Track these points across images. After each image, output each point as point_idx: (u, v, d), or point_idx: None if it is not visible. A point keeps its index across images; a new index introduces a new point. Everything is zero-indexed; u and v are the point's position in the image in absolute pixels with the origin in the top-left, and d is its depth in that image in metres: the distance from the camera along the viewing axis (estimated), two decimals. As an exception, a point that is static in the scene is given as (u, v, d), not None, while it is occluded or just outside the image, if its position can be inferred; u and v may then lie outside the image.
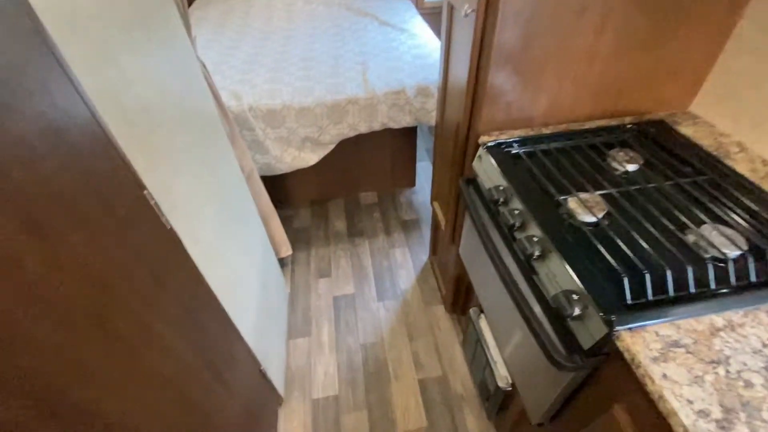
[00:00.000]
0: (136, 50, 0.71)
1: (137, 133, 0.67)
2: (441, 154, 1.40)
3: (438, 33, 2.49)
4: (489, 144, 0.99)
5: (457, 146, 1.14)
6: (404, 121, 1.82)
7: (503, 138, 1.00)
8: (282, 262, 1.92)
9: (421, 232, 2.06)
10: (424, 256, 1.93)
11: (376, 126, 1.82)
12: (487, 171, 0.98)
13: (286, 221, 2.16)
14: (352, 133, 1.82)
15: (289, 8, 2.72)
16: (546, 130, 1.02)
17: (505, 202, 0.89)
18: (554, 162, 0.91)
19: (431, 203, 1.62)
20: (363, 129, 1.81)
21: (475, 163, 1.04)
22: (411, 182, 2.34)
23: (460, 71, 1.03)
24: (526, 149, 0.97)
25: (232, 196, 1.14)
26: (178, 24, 0.95)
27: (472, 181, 1.07)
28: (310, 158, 1.86)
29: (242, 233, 1.19)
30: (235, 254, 1.09)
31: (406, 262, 1.91)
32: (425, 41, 2.09)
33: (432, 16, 2.65)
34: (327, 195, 2.30)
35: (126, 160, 0.61)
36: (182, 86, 0.90)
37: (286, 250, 1.82)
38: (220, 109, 1.29)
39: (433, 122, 1.83)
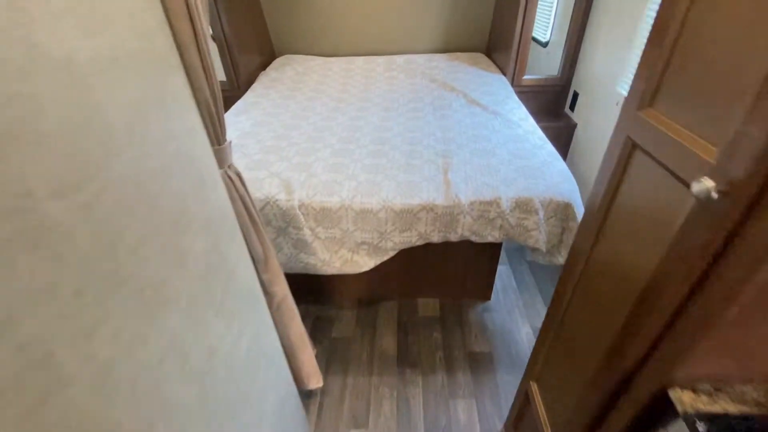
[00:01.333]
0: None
1: None
2: (563, 341, 0.94)
3: (536, 115, 2.11)
4: (701, 413, 0.51)
5: (609, 376, 0.68)
6: (491, 236, 1.39)
7: (727, 406, 0.52)
8: (308, 392, 1.51)
9: (494, 377, 1.55)
10: (498, 422, 1.41)
11: (453, 238, 1.40)
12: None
13: (324, 325, 1.77)
14: (420, 242, 1.42)
15: (368, 74, 2.51)
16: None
17: None
18: None
19: (527, 381, 1.12)
20: (435, 239, 1.41)
21: None
22: (485, 295, 1.86)
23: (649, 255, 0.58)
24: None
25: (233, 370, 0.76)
26: (197, 139, 0.62)
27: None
28: (365, 263, 1.48)
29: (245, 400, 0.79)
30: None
31: (472, 425, 1.40)
32: (525, 132, 1.68)
33: (529, 96, 2.28)
34: (378, 295, 1.89)
35: None
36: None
37: (317, 382, 1.40)
38: (254, 232, 0.95)
39: (531, 243, 1.38)
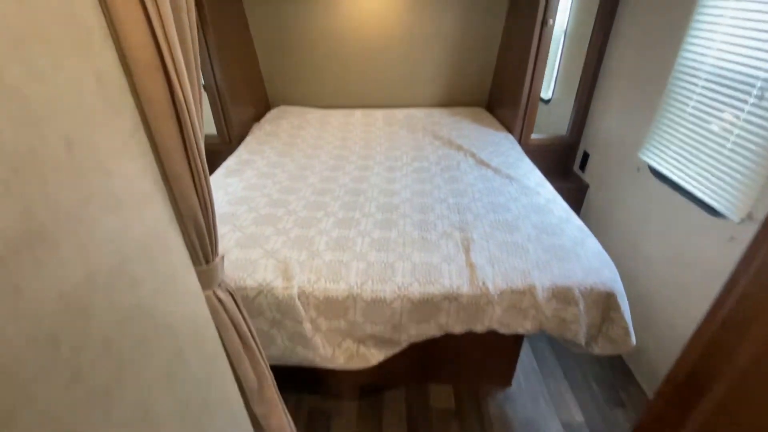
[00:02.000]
0: None
1: None
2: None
3: (544, 174, 2.01)
4: None
5: None
6: (522, 328, 1.20)
7: None
8: None
9: (525, 492, 1.30)
10: None
11: (479, 329, 1.21)
12: None
13: (320, 421, 1.51)
14: (438, 334, 1.22)
15: (368, 128, 2.40)
16: None
17: None
18: None
19: None
20: (457, 330, 1.21)
21: None
22: (506, 381, 1.64)
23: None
24: None
25: None
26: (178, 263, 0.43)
27: None
28: (373, 356, 1.26)
29: None
30: None
31: None
32: (546, 201, 1.54)
33: (536, 154, 2.18)
34: (384, 382, 1.65)
35: None
36: None
37: None
38: (247, 359, 0.74)
39: (569, 336, 1.19)
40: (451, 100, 2.72)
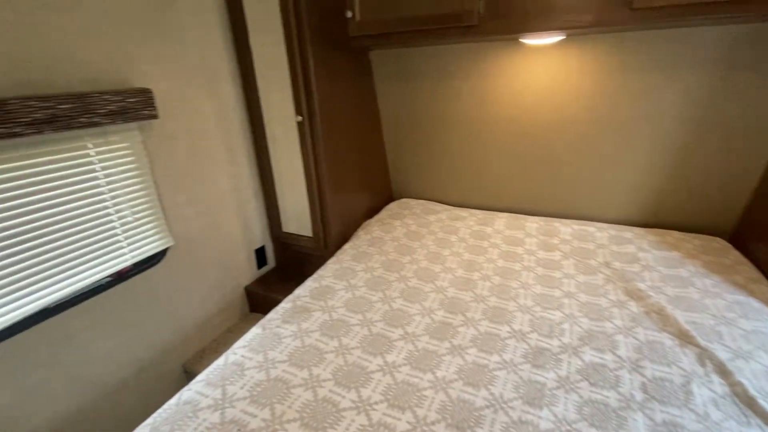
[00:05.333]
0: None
1: None
2: None
3: None
4: None
5: None
6: None
7: None
8: None
9: None
10: None
11: None
12: None
13: None
14: None
15: (511, 250, 1.61)
16: None
17: None
18: None
19: None
20: None
21: None
22: None
23: None
24: None
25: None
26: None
27: None
28: None
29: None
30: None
31: None
32: None
33: None
34: None
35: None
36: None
37: None
38: None
39: None
40: (662, 217, 1.71)
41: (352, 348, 1.12)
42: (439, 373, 1.02)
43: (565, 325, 1.18)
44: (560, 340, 1.12)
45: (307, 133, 1.63)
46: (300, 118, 1.60)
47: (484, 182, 1.98)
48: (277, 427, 0.88)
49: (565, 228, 1.71)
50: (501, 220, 1.84)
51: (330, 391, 0.98)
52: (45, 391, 1.18)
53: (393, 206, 2.08)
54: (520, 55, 1.66)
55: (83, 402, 1.29)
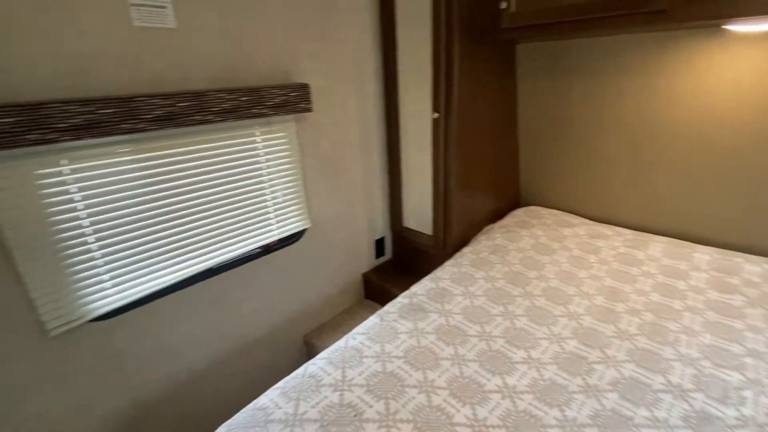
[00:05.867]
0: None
1: None
2: None
3: None
4: None
5: None
6: None
7: None
8: None
9: None
10: None
11: None
12: None
13: None
14: None
15: (670, 286, 1.34)
16: None
17: None
18: None
19: None
20: None
21: None
22: None
23: None
24: None
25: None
26: None
27: None
28: None
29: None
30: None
31: None
32: None
33: None
34: None
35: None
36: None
37: None
38: None
39: None
40: None
41: (469, 360, 1.07)
42: (568, 413, 0.90)
43: (747, 393, 0.92)
44: (738, 410, 0.88)
45: (441, 131, 1.60)
46: (437, 115, 1.58)
47: (638, 197, 1.68)
48: (391, 424, 0.89)
49: (752, 267, 1.34)
50: (658, 245, 1.54)
51: (444, 400, 0.95)
52: (207, 334, 1.43)
53: (519, 213, 1.92)
54: (716, 45, 1.34)
55: (226, 353, 1.52)
